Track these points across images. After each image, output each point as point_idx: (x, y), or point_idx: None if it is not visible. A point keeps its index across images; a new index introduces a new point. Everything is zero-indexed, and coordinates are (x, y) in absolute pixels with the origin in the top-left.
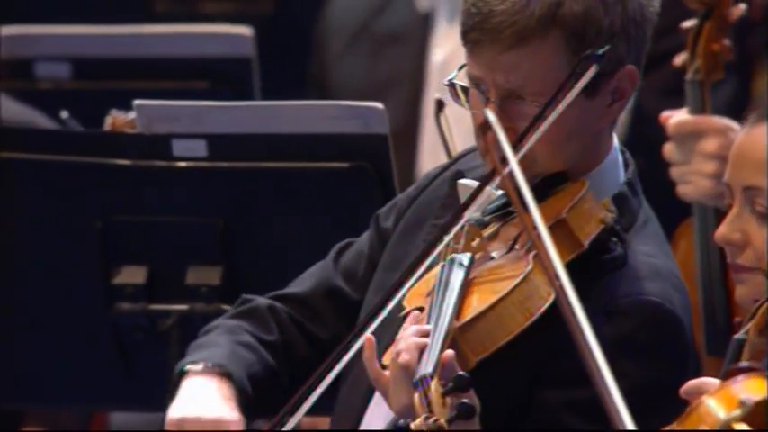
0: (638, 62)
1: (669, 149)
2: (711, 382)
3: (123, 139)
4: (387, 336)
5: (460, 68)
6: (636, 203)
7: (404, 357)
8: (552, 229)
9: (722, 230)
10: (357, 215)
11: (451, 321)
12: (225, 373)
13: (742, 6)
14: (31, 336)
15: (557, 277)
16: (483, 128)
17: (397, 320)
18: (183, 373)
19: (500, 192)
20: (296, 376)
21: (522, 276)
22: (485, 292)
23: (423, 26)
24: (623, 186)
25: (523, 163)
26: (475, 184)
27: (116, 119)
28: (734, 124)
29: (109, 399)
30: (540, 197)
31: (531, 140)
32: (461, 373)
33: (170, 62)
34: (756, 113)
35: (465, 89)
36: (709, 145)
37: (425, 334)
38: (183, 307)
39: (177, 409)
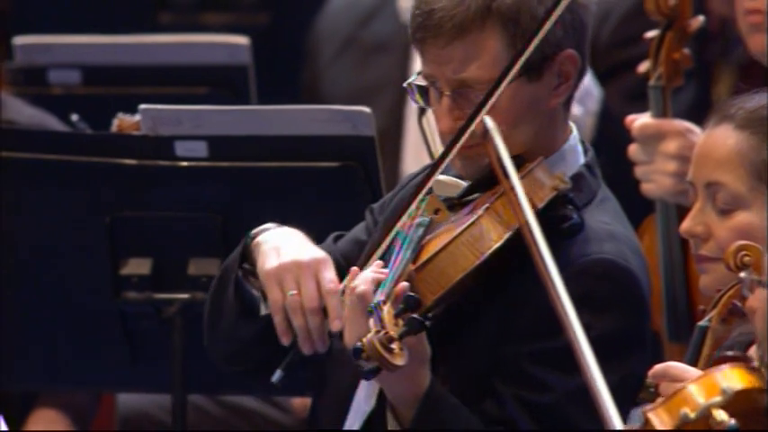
0: (580, 47)
1: (633, 150)
2: (677, 366)
3: (129, 140)
4: None
5: (418, 74)
6: (594, 183)
7: (360, 288)
8: (507, 194)
9: (686, 224)
10: (346, 210)
11: (407, 264)
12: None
13: (700, 18)
14: (44, 323)
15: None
16: (483, 135)
17: None
18: (249, 241)
19: (465, 183)
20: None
21: (471, 220)
22: (440, 239)
23: (406, 36)
24: (582, 167)
25: (478, 148)
26: (450, 179)
27: (122, 121)
28: (693, 127)
29: (116, 381)
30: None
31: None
32: (411, 293)
33: (173, 69)
34: (716, 116)
35: (425, 89)
36: (671, 146)
37: (378, 281)
38: (186, 296)
39: (269, 261)
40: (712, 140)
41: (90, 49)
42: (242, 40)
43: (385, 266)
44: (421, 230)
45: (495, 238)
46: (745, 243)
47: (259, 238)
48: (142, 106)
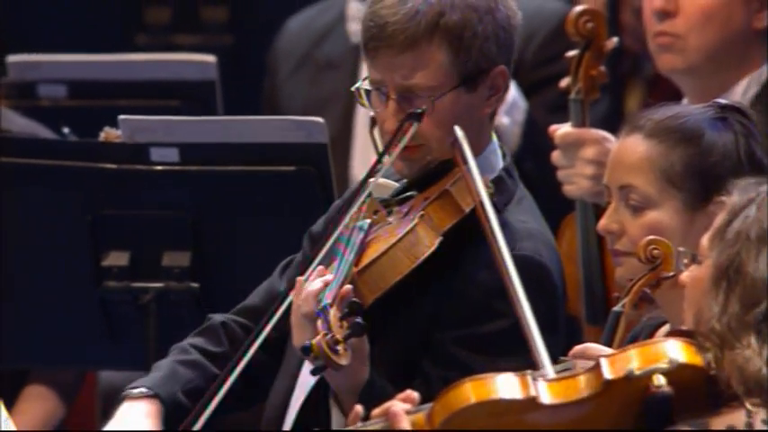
0: (508, 64)
1: (556, 156)
2: (594, 346)
3: (109, 147)
4: None
5: (364, 79)
6: (512, 185)
7: (303, 309)
8: (438, 198)
9: (603, 222)
10: (302, 209)
11: (350, 268)
12: (153, 396)
13: (614, 39)
14: (33, 309)
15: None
16: (452, 144)
17: None
18: (124, 393)
19: (397, 184)
20: (252, 377)
21: (408, 228)
22: (379, 244)
23: (354, 55)
24: (501, 171)
25: (420, 150)
26: (386, 181)
27: (108, 133)
28: (609, 135)
29: (98, 360)
30: (433, 178)
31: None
32: (354, 299)
33: (148, 84)
34: (628, 126)
35: (368, 92)
36: (589, 152)
37: (326, 282)
38: (160, 285)
39: (109, 427)
40: (625, 148)
41: (75, 67)
42: (209, 58)
43: (328, 268)
44: (362, 234)
45: (428, 244)
46: (654, 238)
47: (123, 404)
48: (121, 117)
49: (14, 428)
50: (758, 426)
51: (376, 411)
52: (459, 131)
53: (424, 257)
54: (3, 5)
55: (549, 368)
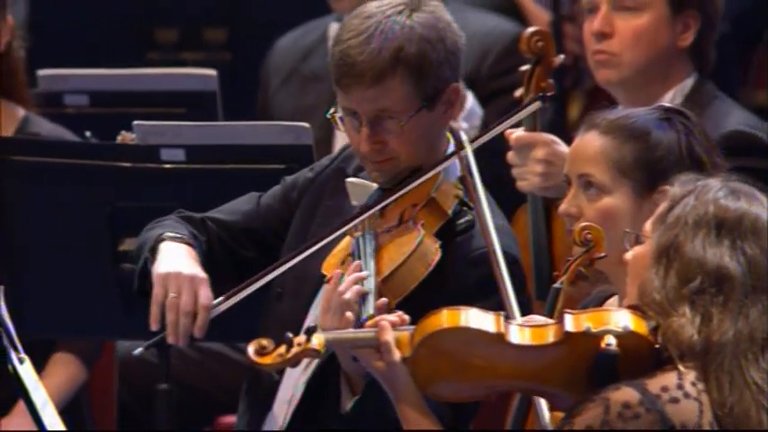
0: (458, 80)
1: (511, 156)
2: (537, 317)
3: (125, 148)
4: (305, 288)
5: (334, 111)
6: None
7: (346, 296)
8: (426, 205)
9: (563, 207)
10: None
11: (375, 277)
12: (190, 243)
13: (561, 56)
14: (60, 287)
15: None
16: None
17: (312, 281)
18: (156, 242)
19: (376, 185)
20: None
21: (419, 240)
22: (394, 254)
23: None
24: (465, 171)
25: (392, 162)
26: (360, 181)
27: (124, 136)
28: (556, 138)
29: (115, 331)
30: (406, 182)
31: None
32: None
33: (158, 94)
34: (586, 125)
35: (341, 119)
36: (539, 152)
37: (362, 278)
38: None
39: (162, 265)
40: (584, 143)
41: (96, 79)
42: (211, 72)
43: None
44: (373, 243)
45: (434, 250)
46: (588, 224)
47: (163, 244)
48: (135, 122)
49: (44, 390)
50: (688, 386)
51: (370, 323)
52: (464, 136)
53: (435, 263)
54: (35, 28)
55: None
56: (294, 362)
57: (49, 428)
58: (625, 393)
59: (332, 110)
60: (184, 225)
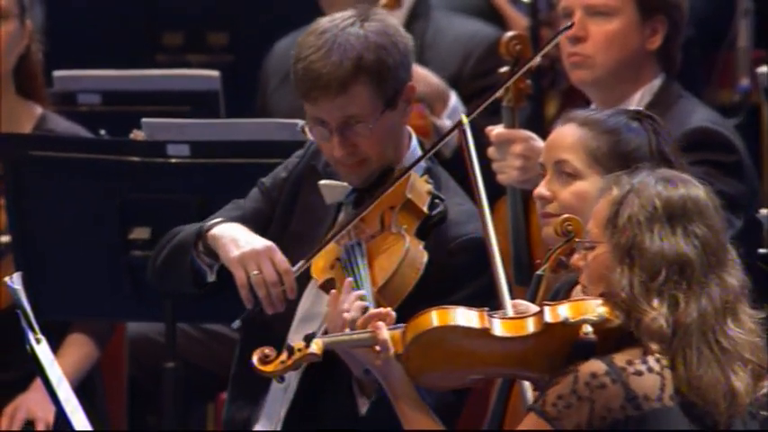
0: (410, 79)
1: (491, 151)
2: (521, 302)
3: (134, 143)
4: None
5: (303, 126)
6: (436, 170)
7: (350, 314)
8: (403, 207)
9: (538, 190)
10: None
11: (372, 288)
12: (235, 219)
13: (537, 59)
14: (74, 272)
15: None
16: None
17: (299, 280)
18: (204, 232)
19: (346, 184)
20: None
21: (406, 248)
22: (385, 262)
23: None
24: (428, 162)
25: (365, 163)
26: (334, 183)
27: (136, 134)
28: (533, 135)
29: (126, 313)
30: (382, 185)
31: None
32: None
33: (165, 94)
34: (564, 118)
35: (311, 129)
36: (517, 148)
37: (361, 296)
38: None
39: (232, 251)
40: (561, 133)
41: (107, 80)
42: (214, 73)
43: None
44: (363, 250)
45: (421, 255)
46: (569, 216)
47: (214, 231)
48: (144, 120)
49: (59, 368)
50: (651, 362)
51: (359, 322)
52: (464, 118)
53: (423, 267)
54: (51, 32)
55: (509, 309)
56: (295, 367)
57: (64, 404)
58: (593, 365)
59: (301, 124)
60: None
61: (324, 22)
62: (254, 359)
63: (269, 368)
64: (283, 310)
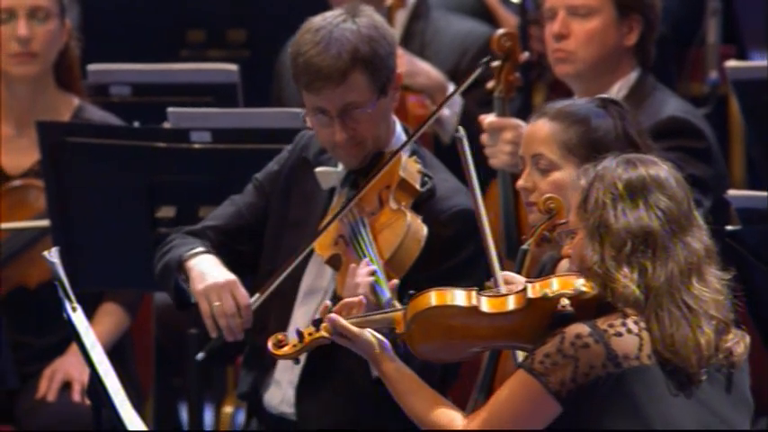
0: (397, 68)
1: (484, 138)
2: (510, 274)
3: (161, 131)
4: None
5: (305, 116)
6: (423, 152)
7: (360, 291)
8: (398, 186)
9: (520, 182)
10: None
11: (379, 260)
12: (209, 252)
13: (526, 53)
14: (106, 247)
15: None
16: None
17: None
18: (184, 259)
19: (340, 169)
20: None
21: (408, 221)
22: (390, 236)
23: None
24: (414, 145)
25: (361, 146)
26: (327, 169)
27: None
28: (522, 123)
29: (152, 283)
30: (375, 167)
31: None
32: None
33: (189, 86)
34: (537, 113)
35: (312, 117)
36: (508, 135)
37: (372, 272)
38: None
39: (198, 283)
40: (536, 127)
41: (137, 73)
42: (233, 67)
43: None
44: (368, 228)
45: (421, 228)
46: (550, 195)
47: (189, 263)
48: (170, 109)
49: (93, 334)
50: (630, 324)
51: (336, 309)
52: (461, 131)
53: (425, 239)
54: (86, 30)
55: (500, 281)
56: (308, 349)
57: (98, 366)
58: (578, 327)
59: (305, 111)
60: (192, 239)
61: (316, 20)
62: (270, 344)
63: (283, 351)
64: (240, 338)
